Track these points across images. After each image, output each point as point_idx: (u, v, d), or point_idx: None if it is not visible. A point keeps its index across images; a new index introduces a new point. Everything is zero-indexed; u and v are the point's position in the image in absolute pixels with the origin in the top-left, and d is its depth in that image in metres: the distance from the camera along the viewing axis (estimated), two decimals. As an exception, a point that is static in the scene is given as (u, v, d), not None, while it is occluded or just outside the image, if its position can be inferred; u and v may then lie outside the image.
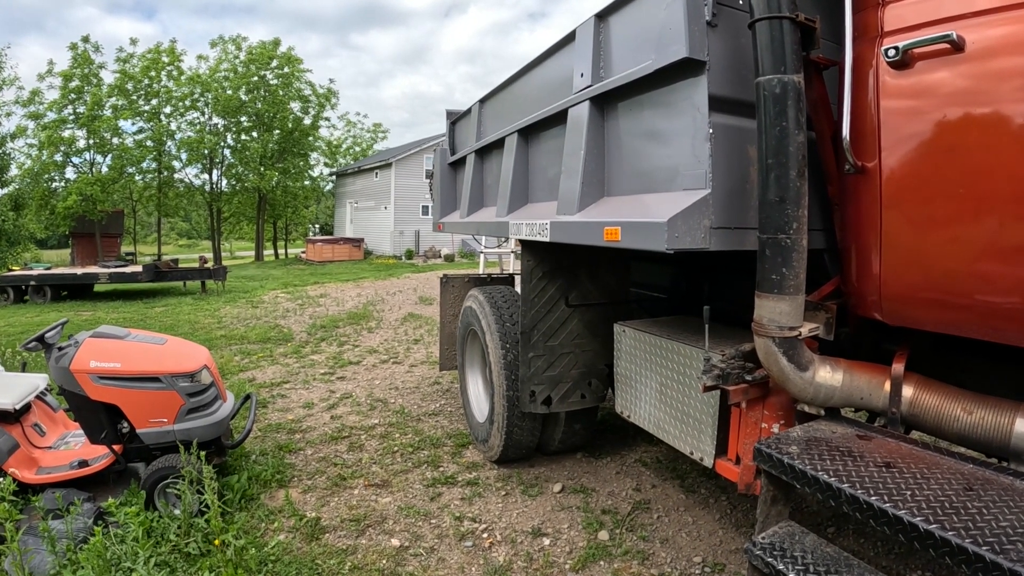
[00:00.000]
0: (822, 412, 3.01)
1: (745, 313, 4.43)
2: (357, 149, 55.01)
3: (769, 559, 2.42)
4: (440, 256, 35.25)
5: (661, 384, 3.84)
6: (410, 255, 35.92)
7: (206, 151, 38.50)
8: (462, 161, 6.29)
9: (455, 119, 6.76)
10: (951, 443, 2.77)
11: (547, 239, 3.74)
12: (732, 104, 2.71)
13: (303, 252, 39.35)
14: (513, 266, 10.79)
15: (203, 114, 39.23)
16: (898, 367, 2.78)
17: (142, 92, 36.33)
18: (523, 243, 4.45)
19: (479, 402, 6.00)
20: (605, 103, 3.41)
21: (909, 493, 2.25)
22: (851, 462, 2.48)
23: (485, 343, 5.23)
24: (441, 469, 5.42)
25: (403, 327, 12.65)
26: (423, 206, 37.54)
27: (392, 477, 5.24)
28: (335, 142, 52.10)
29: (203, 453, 4.09)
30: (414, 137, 48.29)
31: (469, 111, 6.03)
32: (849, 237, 2.87)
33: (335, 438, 6.13)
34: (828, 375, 2.85)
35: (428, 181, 7.59)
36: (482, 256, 11.47)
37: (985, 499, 2.22)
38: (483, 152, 5.65)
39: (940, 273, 2.50)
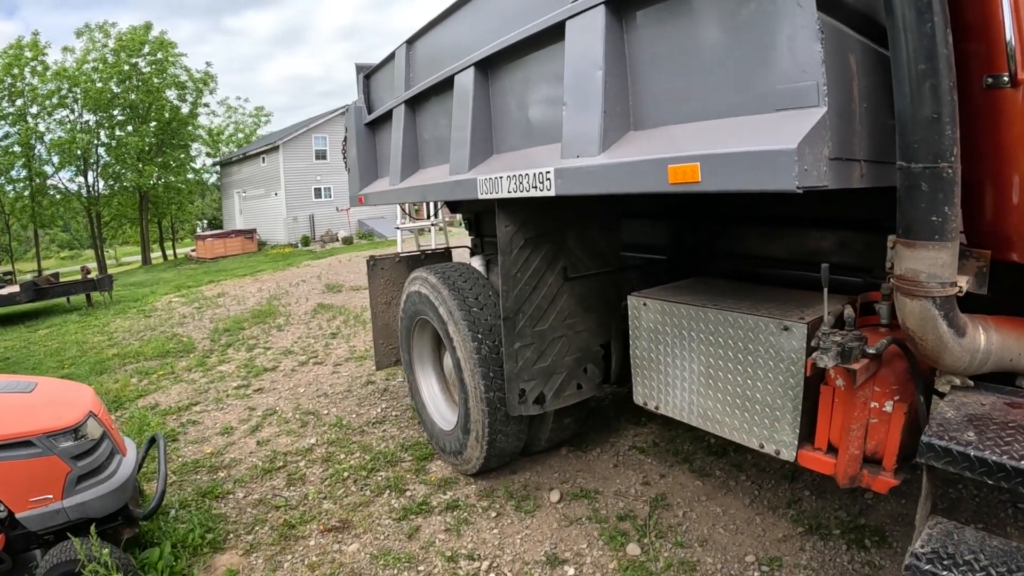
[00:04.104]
0: (970, 383, 2.47)
1: (761, 268, 3.86)
2: (240, 136, 51.89)
3: (943, 572, 1.95)
4: (338, 239, 33.45)
5: (708, 366, 3.08)
6: (307, 241, 34.14)
7: (79, 151, 34.95)
8: (386, 118, 5.23)
9: (369, 72, 5.68)
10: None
11: (551, 193, 2.83)
12: (836, 2, 2.07)
13: (193, 250, 37.03)
14: (435, 241, 9.78)
15: (73, 111, 35.69)
16: None
17: (5, 93, 32.97)
18: (499, 205, 3.52)
19: (438, 406, 5.07)
20: (628, 7, 2.55)
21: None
22: None
23: (448, 335, 4.28)
24: (408, 494, 4.46)
25: (315, 320, 11.45)
26: (316, 188, 36.10)
27: (351, 514, 4.24)
28: (216, 130, 48.95)
29: (109, 528, 2.99)
30: (296, 121, 46.03)
31: (391, 57, 4.97)
32: (990, 167, 2.32)
33: (268, 470, 5.02)
34: (983, 338, 2.33)
35: (342, 146, 6.46)
36: (399, 233, 10.41)
37: None
38: (417, 101, 4.62)
39: None
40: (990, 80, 2.18)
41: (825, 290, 2.46)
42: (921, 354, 2.38)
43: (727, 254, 4.11)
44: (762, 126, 2.03)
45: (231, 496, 4.63)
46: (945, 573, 1.95)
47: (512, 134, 3.52)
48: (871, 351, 2.41)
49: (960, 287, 2.20)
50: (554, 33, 2.87)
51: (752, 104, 2.11)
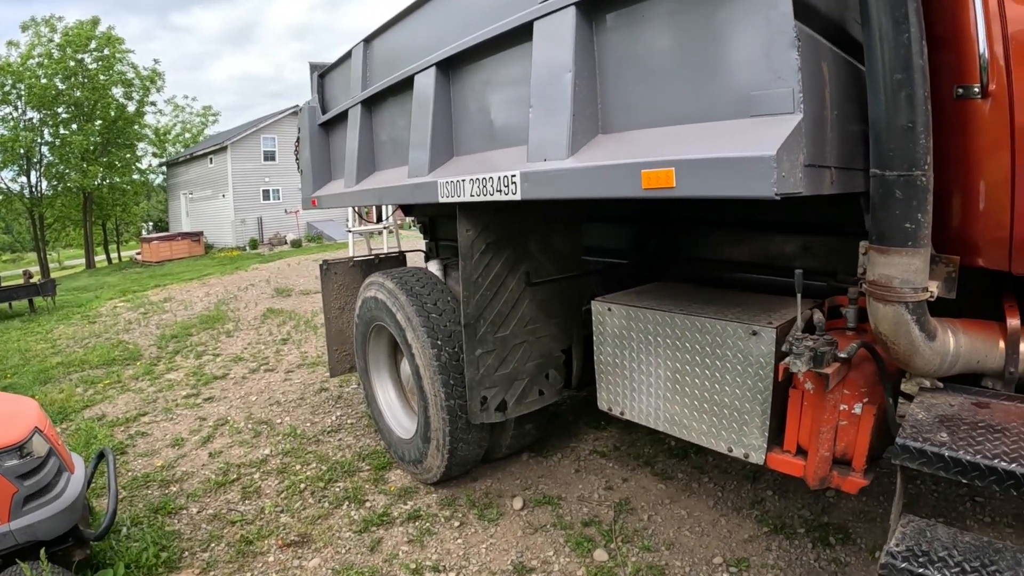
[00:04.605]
0: (940, 384, 2.54)
1: (723, 272, 3.88)
2: (187, 136, 50.23)
3: (919, 570, 1.98)
4: (286, 243, 32.82)
5: (675, 371, 3.05)
6: (255, 244, 33.42)
7: (22, 150, 33.51)
8: (341, 119, 5.10)
9: (324, 71, 5.53)
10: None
11: (516, 197, 2.77)
12: (810, 11, 2.10)
13: (138, 253, 35.82)
14: (387, 244, 9.63)
15: (16, 108, 34.04)
16: (1014, 322, 2.43)
17: (-55, 90, 31.32)
18: (460, 209, 3.44)
19: (395, 414, 4.96)
20: (599, 9, 2.50)
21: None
22: (1005, 439, 2.12)
23: (406, 342, 4.18)
24: (368, 505, 4.34)
25: (265, 326, 11.18)
26: (264, 190, 35.30)
27: (311, 527, 4.11)
28: (163, 129, 47.39)
29: (60, 551, 2.83)
30: (244, 121, 44.97)
31: (348, 56, 4.84)
32: (958, 175, 2.37)
33: (222, 484, 4.83)
34: (952, 341, 2.41)
35: (295, 147, 6.29)
36: (351, 236, 10.24)
37: None
38: (374, 102, 4.51)
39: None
40: (960, 91, 2.21)
41: (799, 296, 2.45)
42: (893, 357, 2.40)
43: (689, 258, 4.10)
44: (737, 132, 2.01)
45: (184, 512, 4.44)
46: (921, 570, 1.97)
47: (474, 136, 3.44)
48: (842, 355, 2.42)
49: (931, 292, 2.23)
50: (521, 34, 2.81)
51: (726, 110, 2.09)
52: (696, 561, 3.52)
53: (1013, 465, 1.92)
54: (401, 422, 4.86)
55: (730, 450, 2.91)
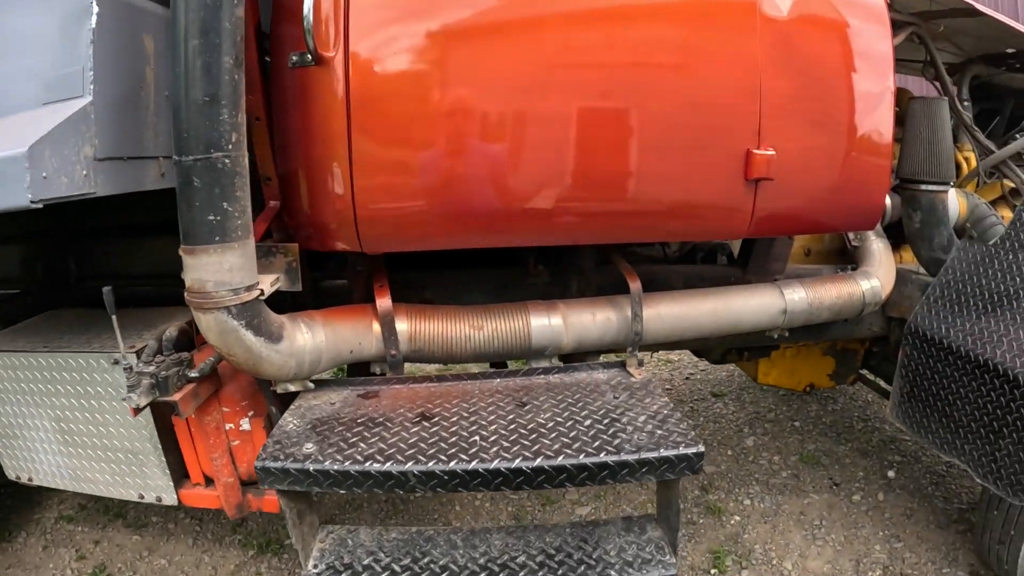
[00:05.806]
0: (310, 385, 2.39)
1: (129, 286, 3.34)
2: None
3: None
4: None
5: (59, 419, 2.62)
6: None
7: None
8: None
9: None
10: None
11: None
12: None
13: None
14: None
15: None
16: (384, 303, 2.32)
17: None
18: None
19: None
20: None
21: (480, 438, 1.97)
22: (386, 433, 2.04)
23: None
24: None
25: None
26: None
27: None
28: None
29: None
30: None
31: None
32: (302, 153, 2.17)
33: None
34: (308, 337, 2.18)
35: None
36: None
37: (545, 407, 2.18)
38: None
39: (438, 185, 2.15)
40: (295, 58, 1.99)
41: (114, 318, 2.07)
42: (238, 369, 2.19)
43: (86, 277, 3.58)
44: (17, 126, 1.68)
45: None
46: None
47: None
48: (194, 374, 2.18)
49: (262, 289, 1.98)
50: None
51: (29, 98, 1.75)
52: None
53: (388, 464, 1.85)
54: None
55: (142, 497, 2.61)
